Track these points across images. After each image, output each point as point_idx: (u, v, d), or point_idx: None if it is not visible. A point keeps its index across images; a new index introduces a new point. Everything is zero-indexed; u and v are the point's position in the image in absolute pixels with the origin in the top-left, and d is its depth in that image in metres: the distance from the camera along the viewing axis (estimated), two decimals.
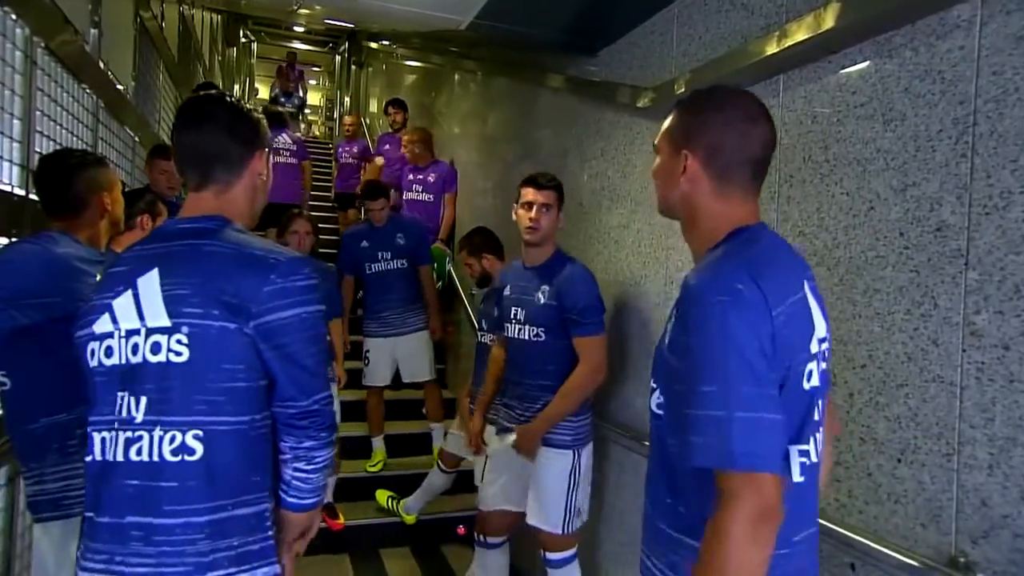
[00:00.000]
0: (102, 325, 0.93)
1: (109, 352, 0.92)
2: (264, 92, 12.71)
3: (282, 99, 8.09)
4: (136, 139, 2.94)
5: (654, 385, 0.93)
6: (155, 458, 0.87)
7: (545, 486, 1.88)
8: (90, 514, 0.91)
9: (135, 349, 0.90)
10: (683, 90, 1.75)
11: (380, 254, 3.00)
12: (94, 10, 2.11)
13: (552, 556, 1.92)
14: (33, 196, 1.66)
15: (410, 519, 2.84)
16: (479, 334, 2.45)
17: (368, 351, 3.03)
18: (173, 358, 0.88)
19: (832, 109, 1.37)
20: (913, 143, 1.19)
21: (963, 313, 1.09)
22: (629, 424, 2.00)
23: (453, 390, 3.65)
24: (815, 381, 0.85)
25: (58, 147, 1.82)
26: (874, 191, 1.26)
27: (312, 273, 0.96)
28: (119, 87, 2.42)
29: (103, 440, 0.90)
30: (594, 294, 1.86)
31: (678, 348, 0.82)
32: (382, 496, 2.91)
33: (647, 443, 1.81)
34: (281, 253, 0.95)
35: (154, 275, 0.91)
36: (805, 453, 0.85)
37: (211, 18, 6.39)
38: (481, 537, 2.11)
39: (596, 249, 2.31)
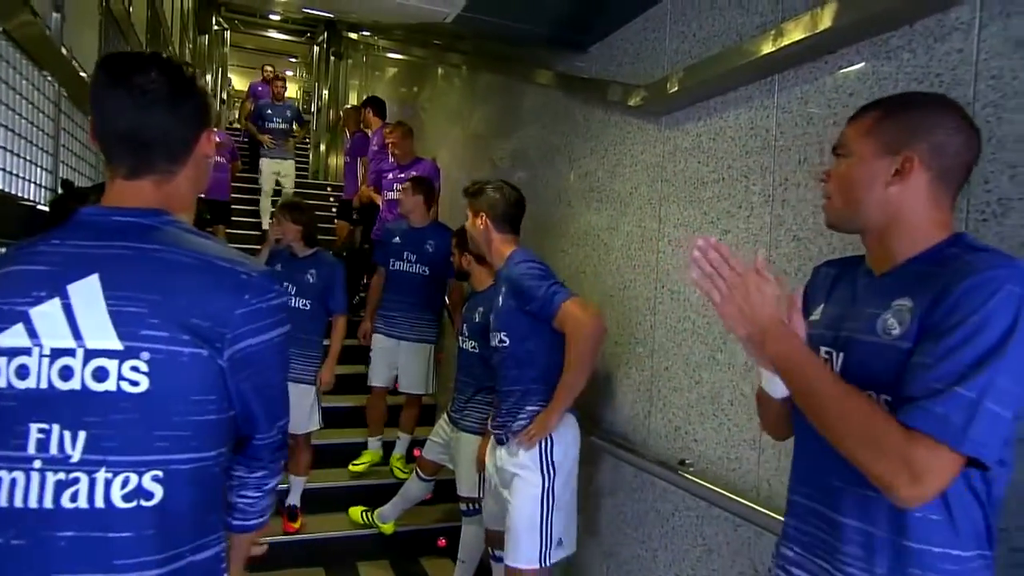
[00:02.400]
0: (12, 338, 0.74)
1: (23, 373, 0.74)
2: (238, 83, 12.36)
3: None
4: None
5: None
6: (100, 504, 0.73)
7: (517, 507, 1.74)
8: None
9: (66, 373, 0.74)
10: (675, 88, 1.72)
11: (406, 254, 2.96)
12: None
13: None
14: None
15: (387, 528, 2.75)
16: (460, 339, 2.39)
17: (372, 349, 3.01)
18: (128, 388, 0.74)
19: (828, 111, 1.35)
20: None
21: None
22: (620, 432, 1.97)
23: (435, 396, 3.59)
24: None
25: (15, 136, 1.71)
26: None
27: (282, 290, 0.87)
28: (83, 75, 2.30)
29: (8, 482, 0.74)
30: (532, 272, 1.74)
31: (931, 328, 0.77)
32: (355, 513, 2.80)
33: (635, 451, 1.81)
34: (249, 266, 0.82)
35: (93, 284, 0.74)
36: None
37: (182, 3, 6.17)
38: (490, 550, 2.13)
39: (584, 251, 2.27)
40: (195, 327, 0.75)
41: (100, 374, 0.74)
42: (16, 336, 0.74)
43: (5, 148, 1.67)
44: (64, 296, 0.74)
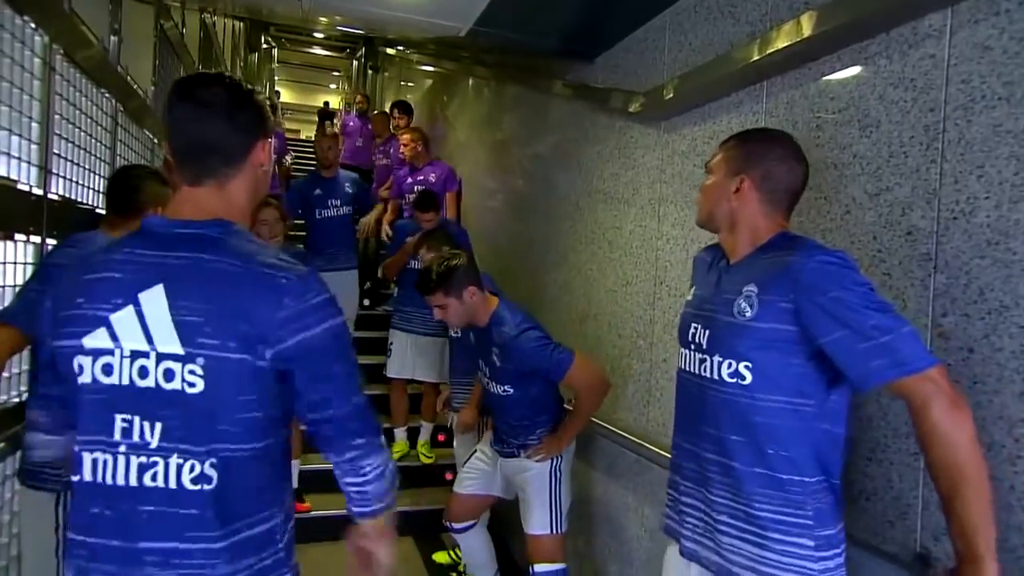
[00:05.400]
0: (96, 340, 0.85)
1: (108, 370, 0.85)
2: (286, 96, 12.96)
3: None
4: (155, 141, 3.06)
5: (721, 358, 1.09)
6: (173, 485, 0.84)
7: (530, 484, 1.96)
8: (82, 537, 0.86)
9: (143, 372, 0.84)
10: (672, 95, 1.79)
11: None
12: (114, 18, 2.22)
13: (541, 568, 1.92)
14: (52, 196, 1.75)
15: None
16: (451, 329, 2.53)
17: (391, 343, 3.21)
18: (187, 388, 0.84)
19: (812, 115, 1.39)
20: (887, 149, 1.22)
21: (931, 316, 1.11)
22: (623, 421, 2.03)
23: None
24: None
25: (77, 149, 1.93)
26: (850, 196, 1.29)
27: (323, 288, 0.89)
28: (139, 91, 2.53)
29: (95, 461, 0.85)
30: (534, 342, 1.81)
31: (788, 314, 1.02)
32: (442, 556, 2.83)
33: (636, 439, 1.88)
34: (289, 270, 0.87)
35: (159, 294, 0.84)
36: None
37: (234, 25, 6.57)
38: (448, 524, 2.25)
39: (591, 250, 2.36)
40: (241, 333, 0.83)
41: (168, 375, 0.84)
42: (100, 339, 0.85)
43: (67, 159, 1.89)
44: (136, 304, 0.84)
